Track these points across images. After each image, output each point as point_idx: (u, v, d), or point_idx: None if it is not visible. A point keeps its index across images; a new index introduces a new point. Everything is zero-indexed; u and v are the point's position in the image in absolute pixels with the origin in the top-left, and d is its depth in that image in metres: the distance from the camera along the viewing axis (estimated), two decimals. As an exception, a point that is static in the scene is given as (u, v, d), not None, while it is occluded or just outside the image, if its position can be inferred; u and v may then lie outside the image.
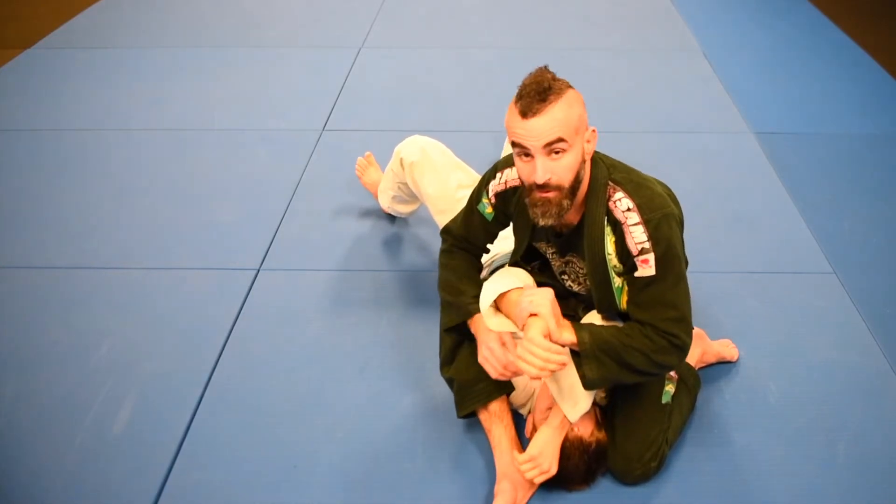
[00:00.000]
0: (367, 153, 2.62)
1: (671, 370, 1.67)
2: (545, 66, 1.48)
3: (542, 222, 1.48)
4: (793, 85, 3.58)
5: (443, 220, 2.12)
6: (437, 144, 2.17)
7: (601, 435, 1.68)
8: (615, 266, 1.56)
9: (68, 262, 2.44)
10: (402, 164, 2.16)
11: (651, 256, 1.48)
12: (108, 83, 3.65)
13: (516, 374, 1.59)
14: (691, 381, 1.84)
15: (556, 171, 1.43)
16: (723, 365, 2.01)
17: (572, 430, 1.64)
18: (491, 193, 1.70)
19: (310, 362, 2.04)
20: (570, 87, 1.45)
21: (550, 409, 1.68)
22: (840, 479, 1.71)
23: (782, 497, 1.68)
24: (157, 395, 1.94)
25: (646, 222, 1.48)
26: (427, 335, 2.09)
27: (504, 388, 1.76)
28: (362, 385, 1.97)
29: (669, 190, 1.65)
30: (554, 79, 1.44)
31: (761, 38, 4.13)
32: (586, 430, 1.66)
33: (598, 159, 1.57)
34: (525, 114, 1.40)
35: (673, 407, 1.74)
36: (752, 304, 2.22)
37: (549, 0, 4.69)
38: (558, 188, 1.44)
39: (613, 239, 1.53)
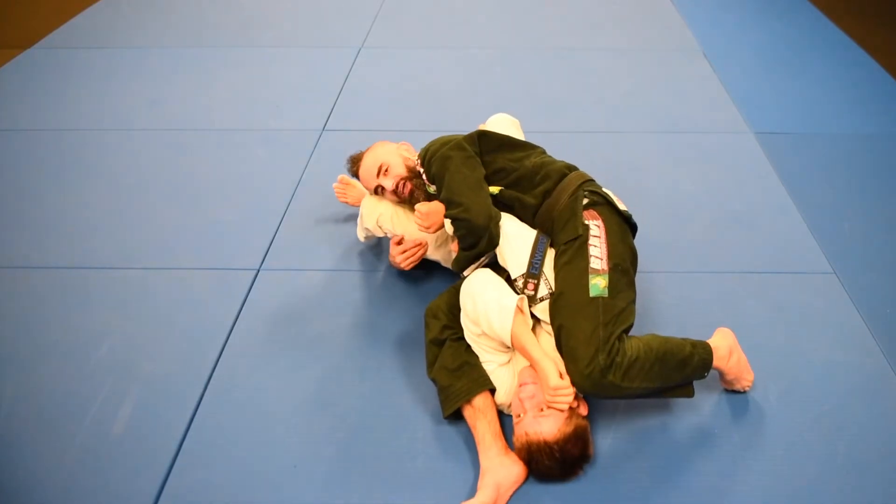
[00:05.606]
0: (340, 176, 2.54)
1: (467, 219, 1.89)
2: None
3: None
4: (793, 85, 3.58)
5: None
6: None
7: (568, 428, 1.65)
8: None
9: (68, 262, 2.44)
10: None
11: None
12: (108, 83, 3.65)
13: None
14: (697, 345, 1.79)
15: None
16: (723, 365, 2.00)
17: (537, 433, 1.65)
18: None
19: (310, 362, 2.04)
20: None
21: (520, 416, 1.71)
22: (840, 479, 1.71)
23: (783, 497, 1.68)
24: (157, 395, 1.95)
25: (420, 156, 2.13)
26: (427, 335, 2.09)
27: (483, 384, 1.80)
28: (362, 385, 1.97)
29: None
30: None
31: (761, 38, 4.13)
32: (549, 433, 1.65)
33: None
34: None
35: (616, 303, 1.71)
36: (752, 304, 2.22)
37: (549, 0, 4.69)
38: None
39: None
